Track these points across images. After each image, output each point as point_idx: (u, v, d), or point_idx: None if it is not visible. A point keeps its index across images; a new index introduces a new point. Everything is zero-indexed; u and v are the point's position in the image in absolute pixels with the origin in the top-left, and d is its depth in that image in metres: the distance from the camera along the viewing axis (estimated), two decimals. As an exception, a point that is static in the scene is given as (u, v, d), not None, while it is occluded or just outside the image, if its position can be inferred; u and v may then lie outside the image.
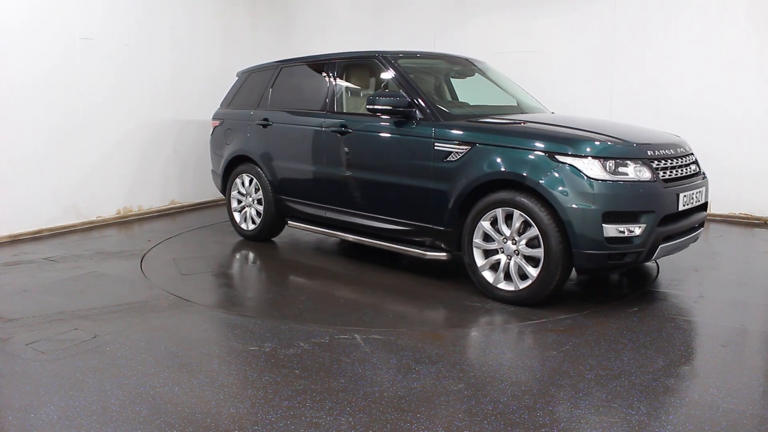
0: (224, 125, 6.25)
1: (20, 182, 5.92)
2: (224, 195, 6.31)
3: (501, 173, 4.04)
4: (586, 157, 3.81)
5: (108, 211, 6.84)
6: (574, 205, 3.76)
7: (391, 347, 3.41)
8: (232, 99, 6.37)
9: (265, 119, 5.77)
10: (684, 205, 4.06)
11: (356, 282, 4.68)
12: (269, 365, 3.18)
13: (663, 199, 3.90)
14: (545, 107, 5.48)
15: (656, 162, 3.97)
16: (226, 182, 6.23)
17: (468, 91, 5.57)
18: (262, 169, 5.78)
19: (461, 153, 4.23)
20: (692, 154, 4.43)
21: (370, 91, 5.29)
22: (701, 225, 4.48)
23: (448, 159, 4.30)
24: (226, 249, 5.81)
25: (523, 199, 3.93)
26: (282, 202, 5.68)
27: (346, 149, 5.02)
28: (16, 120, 5.84)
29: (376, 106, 4.58)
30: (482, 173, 4.11)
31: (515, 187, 4.00)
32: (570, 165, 3.81)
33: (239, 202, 6.11)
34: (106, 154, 6.74)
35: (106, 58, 6.62)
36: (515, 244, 4.02)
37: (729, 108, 6.73)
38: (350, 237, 5.09)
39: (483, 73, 5.55)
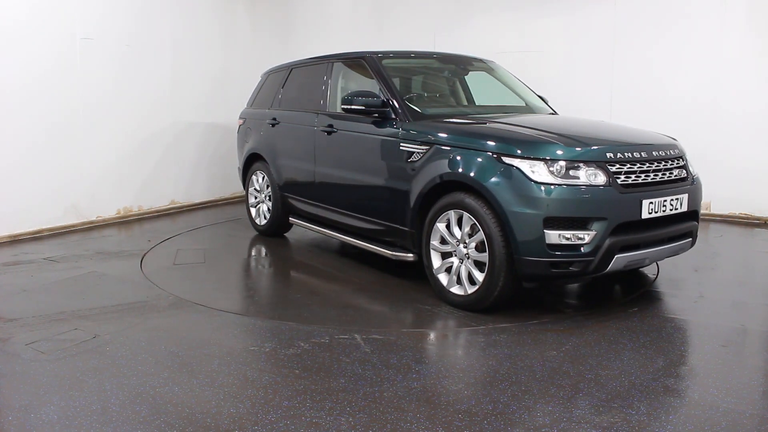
0: (246, 124, 6.49)
1: (20, 182, 5.92)
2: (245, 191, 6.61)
3: (451, 174, 3.97)
4: (530, 158, 3.67)
5: (108, 211, 6.83)
6: (515, 209, 3.62)
7: (391, 347, 3.41)
8: (254, 99, 6.58)
9: (274, 119, 5.95)
10: (650, 213, 3.78)
11: (334, 279, 4.68)
12: (269, 365, 3.18)
13: (618, 206, 3.66)
14: (548, 107, 5.44)
15: (617, 165, 3.73)
16: (245, 178, 6.45)
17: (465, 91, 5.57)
18: (270, 167, 5.95)
19: (422, 153, 4.20)
20: (679, 158, 4.14)
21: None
22: (688, 235, 4.16)
23: (411, 159, 4.27)
24: (233, 246, 5.82)
25: (471, 202, 3.83)
26: (286, 199, 5.83)
27: (333, 148, 5.12)
28: (16, 120, 5.84)
29: (350, 106, 4.60)
30: (436, 174, 4.06)
31: (466, 189, 3.91)
32: (515, 167, 3.68)
33: (255, 198, 6.32)
34: (106, 154, 6.74)
35: (105, 58, 6.62)
36: (466, 247, 3.94)
37: (729, 108, 6.73)
38: (337, 235, 5.15)
39: (489, 72, 5.53)
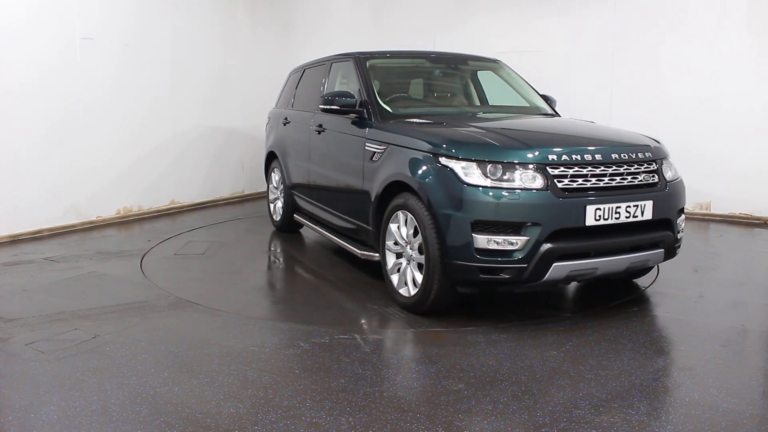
0: (269, 123, 6.69)
1: (20, 182, 5.91)
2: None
3: (397, 175, 3.96)
4: (463, 159, 3.59)
5: (108, 211, 6.83)
6: (445, 211, 3.56)
7: (391, 347, 3.41)
8: (278, 98, 6.74)
9: (286, 118, 6.13)
10: (597, 220, 3.55)
11: (313, 275, 4.69)
12: (269, 365, 3.18)
13: (556, 211, 3.47)
14: (548, 107, 5.34)
15: (560, 168, 3.55)
16: (267, 176, 6.75)
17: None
18: (282, 165, 6.15)
19: (380, 153, 4.21)
20: (650, 161, 3.85)
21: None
22: (659, 245, 3.85)
23: (373, 159, 4.29)
24: (239, 244, 5.82)
25: (413, 203, 3.78)
26: (293, 196, 6.00)
27: (321, 147, 5.24)
28: (16, 120, 5.83)
29: (328, 106, 4.64)
30: (388, 174, 4.06)
31: (412, 190, 3.84)
32: (449, 168, 3.61)
33: (273, 194, 6.59)
34: (105, 154, 6.73)
35: (105, 58, 6.61)
36: (412, 249, 3.89)
37: (729, 108, 6.73)
38: (323, 232, 5.25)
39: (495, 72, 5.48)
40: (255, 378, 3.02)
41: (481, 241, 3.48)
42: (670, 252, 3.97)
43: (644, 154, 3.86)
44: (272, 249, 5.89)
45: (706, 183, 6.90)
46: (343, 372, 3.08)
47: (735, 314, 3.97)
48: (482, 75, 5.56)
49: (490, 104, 5.39)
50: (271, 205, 6.60)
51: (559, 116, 5.13)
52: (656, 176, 3.87)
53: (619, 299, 4.26)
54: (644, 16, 7.11)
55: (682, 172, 4.20)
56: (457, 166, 3.59)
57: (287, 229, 6.32)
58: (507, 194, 3.47)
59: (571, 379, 3.02)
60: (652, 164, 3.88)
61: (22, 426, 2.58)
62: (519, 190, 3.48)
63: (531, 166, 3.54)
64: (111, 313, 3.94)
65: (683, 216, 4.09)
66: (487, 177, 3.53)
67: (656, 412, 2.70)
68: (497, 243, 3.47)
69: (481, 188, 3.50)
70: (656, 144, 4.09)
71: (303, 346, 3.43)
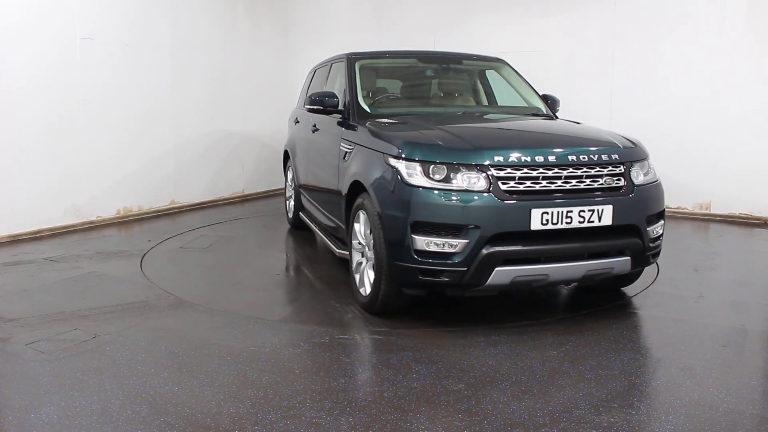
0: (289, 122, 6.81)
1: (20, 182, 5.91)
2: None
3: (356, 175, 3.99)
4: (407, 160, 3.55)
5: (108, 211, 6.83)
6: (387, 212, 3.55)
7: (391, 347, 3.41)
8: (299, 97, 6.86)
9: (296, 118, 6.28)
10: (545, 224, 3.40)
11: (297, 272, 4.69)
12: (269, 365, 3.18)
13: (497, 214, 3.36)
14: (545, 108, 5.29)
15: (506, 170, 3.44)
16: (285, 174, 6.90)
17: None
18: (291, 163, 6.34)
19: (350, 153, 4.23)
20: (616, 164, 3.64)
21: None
22: (625, 252, 3.64)
23: (345, 158, 4.32)
24: (241, 242, 5.83)
25: (367, 203, 3.78)
26: (299, 194, 6.15)
27: (314, 146, 5.36)
28: (15, 119, 5.83)
29: (312, 106, 4.69)
30: (351, 174, 4.09)
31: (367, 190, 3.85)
32: (395, 168, 3.58)
33: (288, 192, 6.77)
34: (105, 154, 6.73)
35: (105, 58, 6.61)
36: (370, 249, 3.87)
37: (729, 108, 6.73)
38: (316, 230, 5.38)
39: (497, 71, 5.45)
40: (255, 378, 3.02)
41: (420, 242, 3.43)
42: (640, 260, 3.74)
43: (609, 156, 3.65)
44: (279, 247, 5.89)
45: (706, 183, 6.91)
46: (343, 372, 3.08)
47: (735, 314, 3.98)
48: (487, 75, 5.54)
49: (487, 105, 5.36)
50: (286, 203, 6.78)
51: (555, 117, 4.99)
52: (622, 180, 3.65)
53: (618, 300, 4.26)
54: (644, 16, 7.11)
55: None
56: (402, 167, 3.56)
57: (298, 226, 6.42)
58: (446, 196, 3.41)
59: (571, 379, 3.02)
60: (618, 167, 3.65)
61: (22, 426, 2.58)
62: (459, 192, 3.41)
63: (474, 167, 3.46)
64: (111, 313, 3.94)
65: (661, 221, 3.86)
66: (429, 178, 3.48)
67: (656, 412, 2.71)
68: (437, 245, 3.41)
69: (422, 189, 3.45)
70: (629, 146, 3.84)
71: (303, 346, 3.43)
